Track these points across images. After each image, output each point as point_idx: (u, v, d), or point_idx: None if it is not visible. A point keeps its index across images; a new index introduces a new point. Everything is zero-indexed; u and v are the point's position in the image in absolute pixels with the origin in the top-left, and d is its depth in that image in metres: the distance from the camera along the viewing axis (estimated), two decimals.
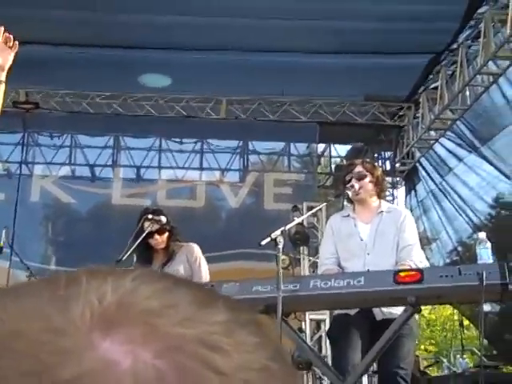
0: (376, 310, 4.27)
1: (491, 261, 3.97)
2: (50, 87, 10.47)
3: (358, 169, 4.56)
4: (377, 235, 4.42)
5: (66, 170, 11.29)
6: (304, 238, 9.07)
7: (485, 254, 4.00)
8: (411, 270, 3.96)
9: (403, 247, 4.36)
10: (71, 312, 0.36)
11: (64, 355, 0.34)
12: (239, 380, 0.36)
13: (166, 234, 5.16)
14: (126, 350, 0.35)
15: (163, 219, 5.11)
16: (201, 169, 11.50)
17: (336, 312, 4.54)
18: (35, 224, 10.73)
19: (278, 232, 3.86)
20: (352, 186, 4.47)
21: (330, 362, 4.65)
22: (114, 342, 0.35)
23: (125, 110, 10.79)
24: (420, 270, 3.86)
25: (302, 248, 9.39)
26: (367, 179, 4.55)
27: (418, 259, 4.36)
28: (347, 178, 4.57)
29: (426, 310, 21.03)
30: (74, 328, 0.36)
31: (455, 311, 9.59)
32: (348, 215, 4.61)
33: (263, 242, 3.83)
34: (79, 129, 11.17)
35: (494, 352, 10.75)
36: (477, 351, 10.77)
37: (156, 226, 5.06)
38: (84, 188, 11.05)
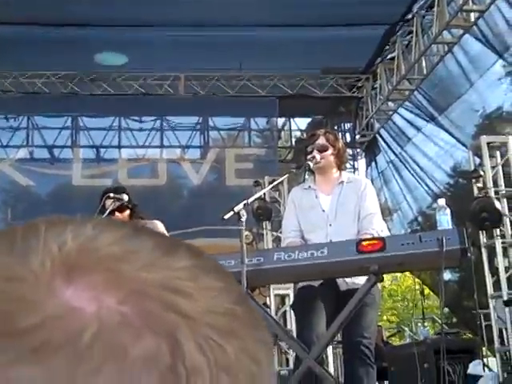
0: (340, 281, 4.30)
1: (451, 227, 4.03)
2: (2, 68, 10.25)
3: (321, 140, 4.56)
4: (338, 206, 4.44)
5: (23, 153, 11.11)
6: (266, 213, 9.08)
7: (444, 220, 4.06)
8: (373, 238, 3.99)
9: (364, 216, 4.38)
10: (31, 261, 0.36)
11: (25, 303, 0.34)
12: (205, 324, 0.36)
13: (127, 211, 5.13)
14: (89, 297, 0.35)
15: (125, 197, 5.08)
16: (161, 146, 11.44)
17: (299, 284, 4.56)
18: None
19: (241, 206, 3.86)
20: (313, 158, 4.48)
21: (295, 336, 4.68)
22: (77, 288, 0.35)
23: (81, 90, 10.65)
24: (382, 239, 3.89)
25: (264, 223, 9.41)
26: (329, 151, 4.55)
27: (379, 228, 4.39)
28: (309, 149, 4.57)
29: (387, 280, 21.33)
30: (35, 276, 0.35)
31: (416, 281, 9.74)
32: (309, 187, 4.61)
33: (226, 216, 3.82)
34: (36, 110, 11.00)
35: (454, 319, 10.97)
36: (437, 319, 10.99)
37: (117, 204, 5.03)
38: (43, 170, 10.90)
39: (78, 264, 0.36)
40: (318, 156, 4.50)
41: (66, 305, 0.34)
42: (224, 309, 0.38)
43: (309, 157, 4.52)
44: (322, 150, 4.54)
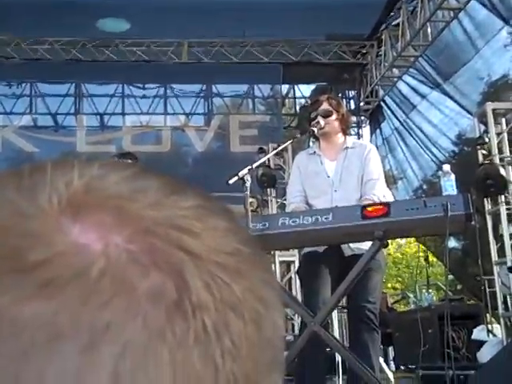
0: (344, 246, 4.31)
1: (455, 193, 4.02)
2: (4, 34, 10.18)
3: (324, 106, 4.54)
4: (343, 171, 4.44)
5: (27, 120, 11.09)
6: (271, 180, 9.08)
7: (449, 186, 4.05)
8: (378, 204, 3.99)
9: (367, 181, 4.38)
10: (38, 198, 0.36)
11: (33, 238, 0.34)
12: (212, 262, 0.36)
13: None
14: (96, 234, 0.35)
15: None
16: (165, 114, 11.40)
17: (304, 250, 4.57)
18: None
19: (246, 171, 3.86)
20: (318, 123, 4.46)
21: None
22: (84, 226, 0.35)
23: (84, 56, 10.59)
24: (387, 204, 3.88)
25: (269, 190, 9.41)
26: (333, 117, 4.54)
27: (381, 193, 4.38)
28: (312, 115, 4.56)
29: (392, 248, 21.38)
30: (42, 213, 0.35)
31: (421, 247, 9.78)
32: (314, 153, 4.61)
33: (231, 181, 3.82)
34: (39, 76, 10.96)
35: (458, 287, 11.02)
36: (442, 286, 11.03)
37: None
38: (47, 137, 10.88)
39: (84, 202, 0.36)
40: (322, 121, 4.49)
41: (74, 241, 0.34)
42: (231, 248, 0.38)
43: (313, 123, 4.51)
44: (326, 115, 4.53)
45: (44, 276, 0.33)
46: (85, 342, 0.32)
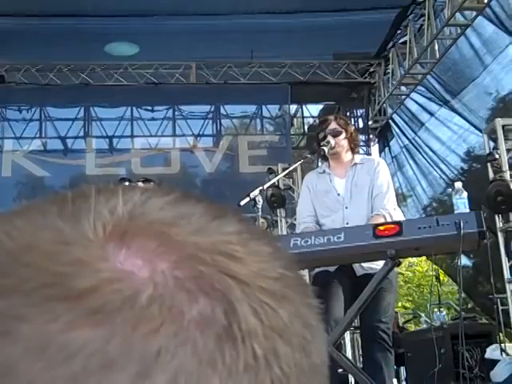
0: (356, 266, 4.30)
1: (468, 210, 4.00)
2: (14, 60, 10.27)
3: (333, 125, 4.57)
4: (352, 188, 4.46)
5: (36, 144, 11.12)
6: (280, 200, 9.07)
7: (461, 204, 4.04)
8: (390, 223, 3.98)
9: (376, 195, 4.40)
10: (82, 224, 0.36)
11: (79, 266, 0.34)
12: (258, 288, 0.36)
13: None
14: (142, 261, 0.34)
15: (139, 185, 5.10)
16: (174, 135, 11.43)
17: (315, 270, 4.56)
18: (8, 201, 10.54)
19: (257, 192, 3.87)
20: (328, 143, 4.47)
21: None
22: (130, 253, 0.35)
23: (93, 80, 10.66)
24: (399, 223, 3.87)
25: (278, 210, 9.40)
26: (342, 136, 4.56)
27: (391, 206, 4.39)
28: (321, 135, 4.57)
29: (403, 267, 21.24)
30: (87, 240, 0.35)
31: (433, 266, 9.72)
32: (323, 171, 4.62)
33: (242, 202, 3.83)
34: (48, 101, 11.02)
35: (469, 305, 10.94)
36: (453, 305, 10.95)
37: None
38: (57, 160, 10.92)
39: (129, 229, 0.36)
40: (332, 141, 4.51)
41: (120, 269, 0.34)
42: (276, 273, 0.38)
43: (323, 142, 4.52)
44: (336, 134, 4.55)
45: (92, 303, 0.33)
46: (137, 370, 0.32)
